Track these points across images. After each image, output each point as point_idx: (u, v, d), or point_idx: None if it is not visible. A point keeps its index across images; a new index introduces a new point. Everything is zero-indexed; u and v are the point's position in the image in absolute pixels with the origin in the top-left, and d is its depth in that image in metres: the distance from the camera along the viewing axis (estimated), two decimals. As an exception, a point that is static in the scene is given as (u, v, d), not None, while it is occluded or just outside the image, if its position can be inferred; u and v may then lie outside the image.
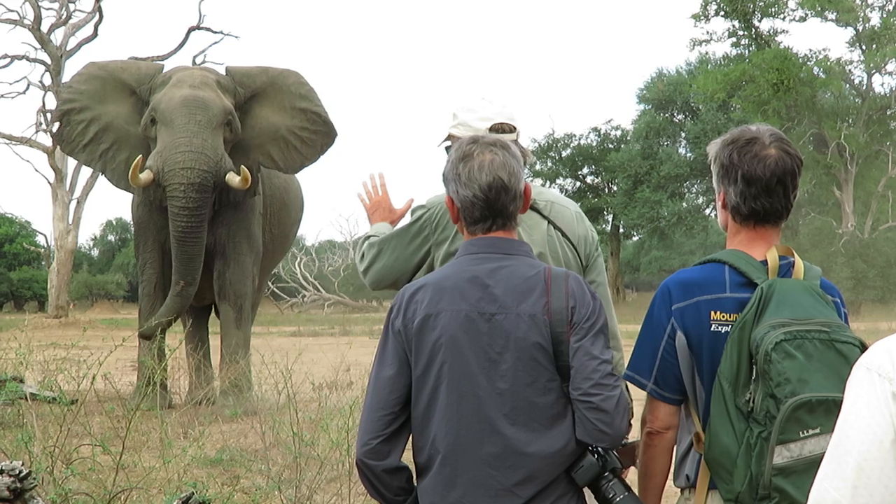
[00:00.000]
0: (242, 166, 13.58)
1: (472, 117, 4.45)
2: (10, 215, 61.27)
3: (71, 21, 39.51)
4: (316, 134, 14.42)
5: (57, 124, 14.39)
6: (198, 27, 39.54)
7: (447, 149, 4.56)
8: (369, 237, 4.71)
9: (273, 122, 14.20)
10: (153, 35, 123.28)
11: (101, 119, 14.12)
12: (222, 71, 14.86)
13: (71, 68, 38.32)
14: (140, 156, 13.50)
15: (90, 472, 7.19)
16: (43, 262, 54.49)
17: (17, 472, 4.68)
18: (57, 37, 39.35)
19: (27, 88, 39.25)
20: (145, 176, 13.36)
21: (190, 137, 13.29)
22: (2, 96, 39.99)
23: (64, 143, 14.40)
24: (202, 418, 11.36)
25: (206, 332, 16.57)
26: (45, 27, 38.93)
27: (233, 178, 13.46)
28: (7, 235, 60.33)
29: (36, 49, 39.26)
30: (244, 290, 14.76)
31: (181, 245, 13.71)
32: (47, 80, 38.48)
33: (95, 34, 39.16)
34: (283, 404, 9.76)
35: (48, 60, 38.86)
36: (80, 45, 39.50)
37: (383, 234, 4.66)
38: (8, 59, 39.65)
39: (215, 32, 39.69)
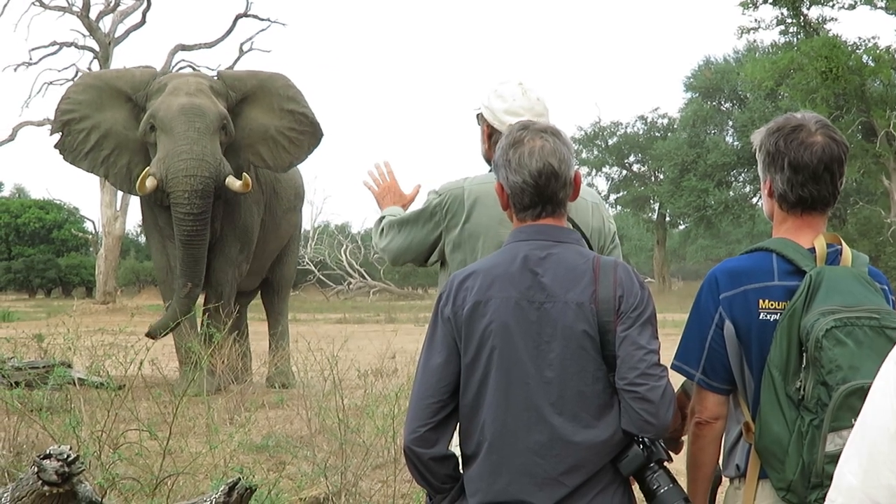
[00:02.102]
0: (244, 173, 14.10)
1: (500, 106, 4.48)
2: (58, 202, 61.70)
3: (119, 8, 39.70)
4: (303, 134, 14.93)
5: (58, 135, 14.78)
6: (245, 14, 39.67)
7: (478, 116, 4.60)
8: (384, 217, 4.84)
9: (262, 124, 14.68)
10: (200, 22, 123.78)
11: (101, 126, 14.57)
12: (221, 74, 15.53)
13: (119, 55, 38.55)
14: (147, 168, 13.98)
15: (137, 457, 7.23)
16: (91, 249, 54.83)
17: (66, 456, 4.68)
18: (105, 24, 39.57)
19: (76, 75, 39.43)
20: (150, 182, 13.82)
21: (191, 145, 13.84)
22: (51, 83, 40.25)
23: (66, 152, 14.77)
24: (248, 404, 11.40)
25: (244, 319, 17.12)
26: (93, 14, 39.15)
27: (233, 182, 13.93)
28: (55, 222, 60.77)
29: (84, 36, 39.51)
30: (224, 279, 15.22)
31: (186, 248, 14.22)
32: (95, 67, 38.66)
33: (143, 21, 39.37)
34: (328, 391, 9.77)
35: (96, 48, 39.08)
36: (128, 33, 39.71)
37: (399, 215, 4.79)
38: (57, 47, 39.93)
39: (262, 20, 39.87)
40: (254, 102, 14.84)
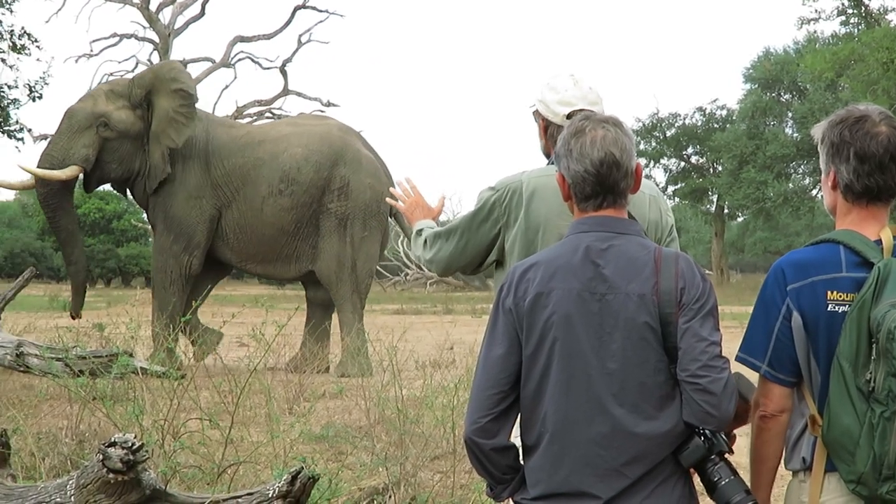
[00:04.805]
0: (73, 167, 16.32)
1: (552, 98, 4.45)
2: (117, 192, 62.09)
3: (178, 0, 39.84)
4: (191, 107, 16.46)
5: None
6: (303, 6, 39.71)
7: (534, 113, 4.58)
8: (421, 230, 4.81)
9: (164, 108, 16.32)
10: (259, 14, 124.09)
11: None
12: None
13: (178, 47, 38.73)
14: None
15: (199, 445, 7.29)
16: (150, 239, 55.10)
17: (130, 444, 4.74)
18: (165, 15, 39.70)
19: (136, 67, 39.62)
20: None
21: (48, 144, 16.80)
22: (111, 75, 40.40)
23: None
24: (307, 395, 11.46)
25: (321, 311, 17.51)
26: (153, 6, 39.32)
27: (60, 172, 16.23)
28: (115, 212, 61.17)
29: (144, 28, 39.65)
30: (156, 266, 17.12)
31: (52, 232, 17.92)
32: (156, 59, 38.88)
33: (203, 13, 39.49)
34: (387, 381, 9.81)
35: (156, 39, 39.25)
36: (187, 24, 39.84)
37: (432, 227, 4.79)
38: (117, 38, 40.12)
39: (321, 11, 39.85)
40: (156, 93, 16.43)
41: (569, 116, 4.25)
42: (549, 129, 4.43)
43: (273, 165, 16.62)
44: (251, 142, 16.88)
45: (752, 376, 3.44)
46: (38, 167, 16.28)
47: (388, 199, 5.24)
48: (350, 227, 16.64)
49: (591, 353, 3.25)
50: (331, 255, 16.68)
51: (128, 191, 17.42)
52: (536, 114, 4.56)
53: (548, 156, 4.53)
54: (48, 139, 17.09)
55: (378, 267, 55.25)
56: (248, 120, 36.81)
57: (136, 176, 16.66)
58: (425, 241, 4.73)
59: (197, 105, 16.75)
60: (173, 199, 16.58)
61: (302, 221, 16.68)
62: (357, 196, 16.75)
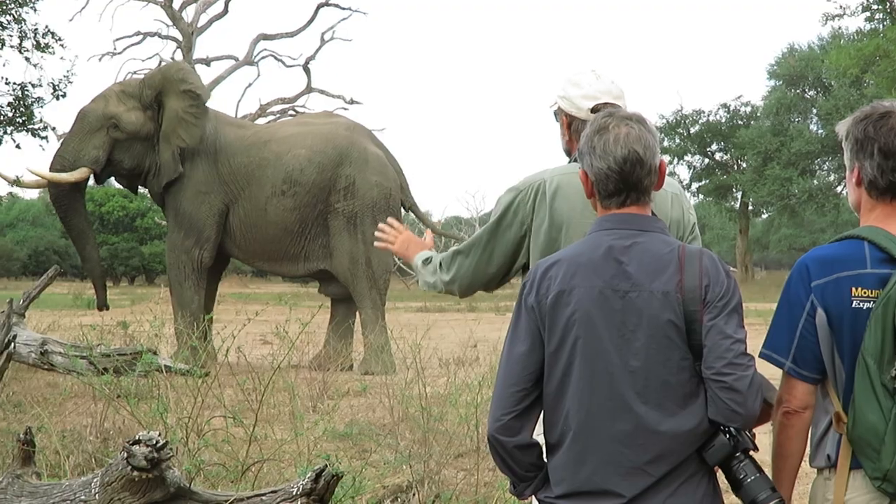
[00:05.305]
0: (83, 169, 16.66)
1: (576, 93, 4.40)
2: (141, 191, 62.26)
3: (201, -2, 39.87)
4: (199, 107, 16.73)
5: None
6: (326, 3, 39.71)
7: (556, 113, 4.54)
8: (428, 258, 4.74)
9: (173, 109, 16.64)
10: (283, 11, 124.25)
11: None
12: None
13: (202, 45, 38.80)
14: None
15: (223, 443, 7.30)
16: (174, 237, 55.20)
17: (155, 442, 4.75)
18: (188, 14, 39.76)
19: (159, 65, 39.68)
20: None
21: (61, 144, 17.30)
22: (134, 73, 40.48)
23: None
24: (331, 392, 11.47)
25: (344, 308, 17.64)
26: (176, 4, 39.37)
27: (69, 175, 16.60)
28: (138, 210, 61.40)
29: (167, 26, 39.71)
30: (169, 261, 17.56)
31: (65, 231, 18.82)
32: (179, 57, 38.92)
33: (226, 11, 39.52)
34: (411, 379, 9.81)
35: (179, 37, 39.31)
36: (210, 22, 39.88)
37: (435, 254, 4.72)
38: (140, 37, 40.20)
39: (343, 9, 39.88)
40: (166, 94, 16.75)
41: (593, 111, 4.22)
42: (573, 125, 4.37)
43: (277, 166, 16.84)
44: (257, 142, 17.13)
45: (776, 373, 3.43)
46: (50, 168, 16.59)
47: (377, 244, 5.12)
48: (360, 225, 16.70)
49: (614, 351, 3.24)
50: (343, 254, 16.78)
51: (145, 189, 17.89)
52: (559, 111, 4.50)
53: (569, 154, 4.49)
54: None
55: (401, 264, 55.29)
56: (270, 118, 36.86)
57: (146, 175, 17.03)
58: (439, 264, 4.64)
59: (207, 103, 17.06)
60: (183, 196, 16.90)
61: (307, 221, 16.85)
62: (364, 194, 16.85)
